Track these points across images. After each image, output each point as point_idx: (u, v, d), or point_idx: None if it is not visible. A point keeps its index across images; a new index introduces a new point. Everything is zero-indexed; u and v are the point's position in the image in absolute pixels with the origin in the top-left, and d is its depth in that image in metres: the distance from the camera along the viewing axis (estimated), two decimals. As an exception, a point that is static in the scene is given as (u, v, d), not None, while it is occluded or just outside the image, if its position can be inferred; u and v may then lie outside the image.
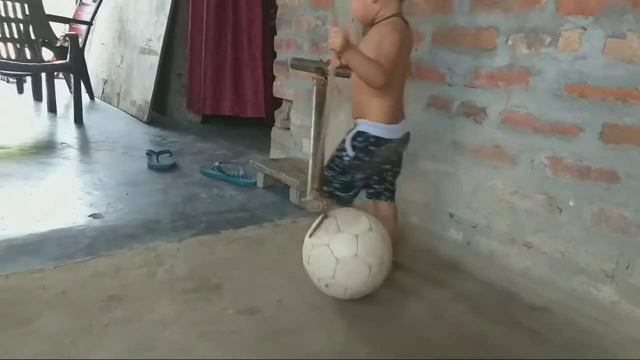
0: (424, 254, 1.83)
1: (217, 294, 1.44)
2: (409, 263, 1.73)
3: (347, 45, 1.42)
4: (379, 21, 1.54)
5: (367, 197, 1.75)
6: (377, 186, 1.70)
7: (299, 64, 1.72)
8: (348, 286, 1.39)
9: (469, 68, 1.79)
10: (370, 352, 1.24)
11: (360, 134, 1.58)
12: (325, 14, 2.46)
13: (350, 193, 1.67)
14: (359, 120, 1.61)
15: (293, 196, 2.28)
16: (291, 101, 2.82)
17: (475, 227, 1.81)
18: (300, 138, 2.72)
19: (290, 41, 2.77)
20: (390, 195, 1.73)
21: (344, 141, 1.63)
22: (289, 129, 2.83)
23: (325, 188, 1.58)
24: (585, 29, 1.47)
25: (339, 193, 1.66)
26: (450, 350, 1.27)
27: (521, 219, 1.66)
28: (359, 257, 1.36)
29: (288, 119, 2.84)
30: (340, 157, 1.62)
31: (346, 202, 1.67)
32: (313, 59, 2.43)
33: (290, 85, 2.80)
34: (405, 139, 1.64)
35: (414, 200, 2.05)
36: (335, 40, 1.42)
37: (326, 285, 1.42)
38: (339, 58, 1.47)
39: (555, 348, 1.31)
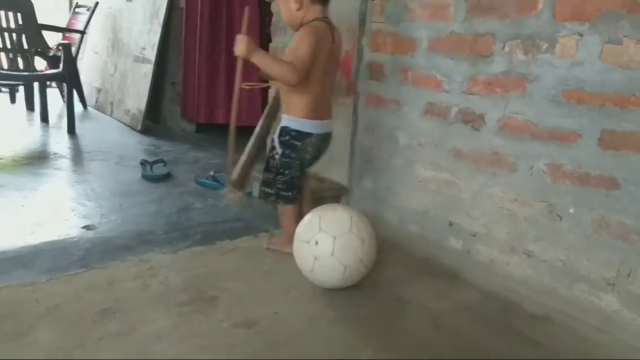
0: (423, 263, 1.81)
1: (212, 306, 1.42)
2: (408, 272, 1.71)
3: (250, 50, 1.60)
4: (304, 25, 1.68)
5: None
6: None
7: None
8: (324, 281, 1.52)
9: (466, 75, 1.78)
10: (371, 364, 1.21)
11: (282, 129, 1.75)
12: (320, 21, 2.45)
13: (294, 191, 1.79)
14: (283, 116, 1.77)
15: (289, 205, 2.25)
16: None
17: (475, 235, 1.79)
18: (296, 146, 2.70)
19: (286, 49, 2.76)
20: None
21: (273, 140, 1.79)
22: (284, 137, 2.81)
23: (269, 190, 1.80)
24: (582, 35, 1.46)
25: (283, 193, 1.78)
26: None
27: (521, 226, 1.65)
28: (335, 257, 1.46)
29: (283, 127, 2.82)
30: (273, 157, 1.77)
31: (292, 201, 1.80)
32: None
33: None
34: (326, 137, 1.82)
35: (412, 208, 2.03)
36: (239, 47, 1.61)
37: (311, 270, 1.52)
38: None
39: (556, 357, 1.29)
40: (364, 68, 2.21)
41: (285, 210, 1.82)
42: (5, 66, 3.88)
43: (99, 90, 5.00)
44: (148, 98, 3.92)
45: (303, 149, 1.74)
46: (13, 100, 4.98)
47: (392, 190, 2.13)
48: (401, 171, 2.07)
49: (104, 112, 4.74)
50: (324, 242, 1.47)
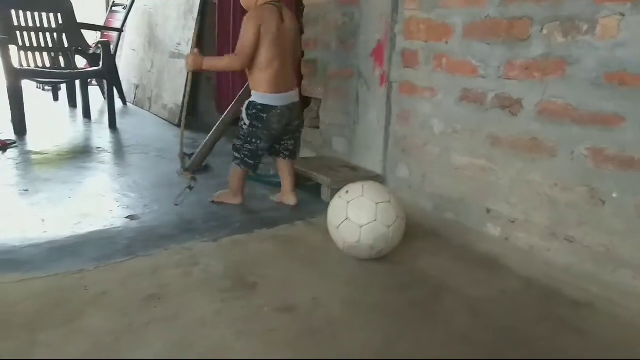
0: (460, 250, 1.80)
1: (252, 292, 1.45)
2: (445, 260, 1.71)
3: (198, 63, 1.97)
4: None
5: (269, 155, 2.15)
6: (276, 146, 2.12)
7: None
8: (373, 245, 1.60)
9: (502, 59, 1.75)
10: (408, 350, 1.22)
11: (250, 103, 1.98)
12: (352, 10, 2.45)
13: (257, 161, 2.07)
14: (252, 92, 1.99)
15: (325, 194, 2.27)
16: (320, 100, 2.82)
17: (513, 222, 1.77)
18: (330, 136, 2.71)
19: (318, 40, 2.77)
20: (289, 154, 2.15)
21: (241, 112, 2.02)
22: (318, 127, 2.83)
23: (237, 155, 2.06)
24: (624, 15, 1.41)
25: (247, 160, 2.05)
26: (492, 349, 1.24)
27: (562, 212, 1.62)
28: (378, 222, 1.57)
29: (317, 117, 2.84)
30: (242, 127, 2.01)
31: (253, 168, 2.09)
32: (340, 58, 2.43)
33: (319, 84, 2.79)
34: (292, 107, 2.02)
35: (449, 196, 2.02)
36: (188, 64, 1.99)
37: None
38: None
39: (601, 345, 1.27)
40: (397, 56, 2.20)
41: (238, 172, 2.09)
42: (48, 65, 4.02)
43: (137, 87, 5.13)
44: (185, 93, 4.00)
45: (269, 120, 1.97)
46: (56, 97, 5.17)
47: (427, 178, 2.12)
48: (437, 159, 2.06)
49: (142, 108, 4.86)
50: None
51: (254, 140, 2.00)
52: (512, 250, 1.74)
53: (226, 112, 2.57)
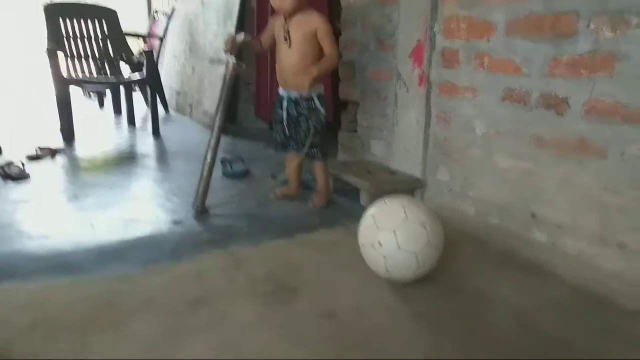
0: (505, 256, 1.75)
1: (295, 297, 1.46)
2: (489, 266, 1.67)
3: (317, 79, 2.05)
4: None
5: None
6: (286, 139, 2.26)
7: None
8: (403, 276, 1.50)
9: (547, 57, 1.70)
10: None
11: (321, 95, 2.19)
12: (391, 11, 2.43)
13: (277, 140, 2.28)
14: (316, 87, 2.14)
15: (364, 199, 2.26)
16: (358, 103, 2.81)
17: (560, 227, 1.71)
18: (368, 140, 2.70)
19: (356, 41, 2.76)
20: (296, 146, 2.23)
21: (313, 104, 2.16)
22: (356, 131, 2.82)
23: (320, 150, 2.21)
24: (679, 7, 1.35)
25: (325, 150, 2.24)
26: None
27: (612, 217, 1.55)
28: (402, 249, 1.44)
29: (355, 121, 2.83)
30: (320, 120, 2.17)
31: (279, 147, 2.29)
32: (379, 60, 2.42)
33: (357, 87, 2.79)
34: (296, 100, 2.16)
35: (492, 200, 1.97)
36: (309, 82, 2.02)
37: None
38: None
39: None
40: (437, 56, 2.17)
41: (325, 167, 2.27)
42: (94, 73, 4.17)
43: (178, 93, 5.25)
44: (220, 103, 4.06)
45: (274, 107, 2.27)
46: (101, 104, 5.36)
47: (469, 182, 2.08)
48: (479, 161, 2.02)
49: (183, 114, 4.98)
50: (386, 239, 1.46)
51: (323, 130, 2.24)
52: (560, 256, 1.68)
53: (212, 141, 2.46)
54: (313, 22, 2.05)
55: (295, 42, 2.08)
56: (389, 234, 1.45)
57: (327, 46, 2.06)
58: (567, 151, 1.67)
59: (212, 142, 2.15)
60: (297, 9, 2.04)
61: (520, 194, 1.85)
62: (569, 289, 1.52)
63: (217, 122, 2.17)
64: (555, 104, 1.69)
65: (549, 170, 1.74)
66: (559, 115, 1.68)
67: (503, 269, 1.65)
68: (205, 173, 2.14)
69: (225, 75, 2.15)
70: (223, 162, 2.90)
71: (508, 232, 1.89)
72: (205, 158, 2.15)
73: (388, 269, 1.48)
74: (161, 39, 5.44)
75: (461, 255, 1.71)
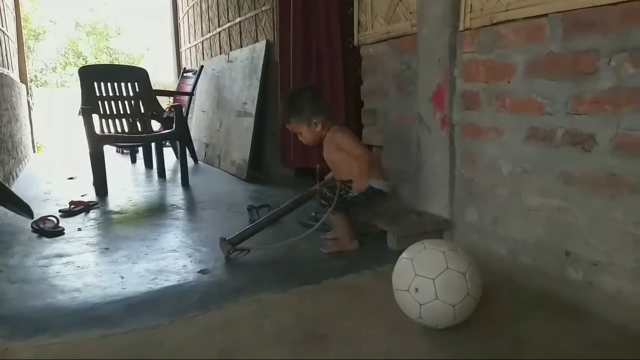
0: (540, 298, 1.69)
1: (324, 345, 1.43)
2: (523, 308, 1.61)
3: (361, 187, 2.23)
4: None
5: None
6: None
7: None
8: (436, 324, 1.44)
9: (570, 95, 1.69)
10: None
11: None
12: (410, 58, 2.48)
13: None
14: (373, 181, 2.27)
15: (391, 242, 2.24)
16: (381, 147, 2.83)
17: (596, 264, 1.65)
18: (394, 183, 2.70)
19: (377, 89, 2.82)
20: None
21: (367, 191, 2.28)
22: (381, 174, 2.83)
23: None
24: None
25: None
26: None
27: (650, 252, 1.49)
28: (440, 300, 1.38)
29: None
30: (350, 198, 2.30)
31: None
32: (400, 105, 2.46)
33: (380, 132, 2.82)
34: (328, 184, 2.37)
35: (523, 239, 1.93)
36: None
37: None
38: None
39: None
40: (458, 99, 2.19)
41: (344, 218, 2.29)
42: (127, 130, 4.33)
43: (207, 145, 5.40)
44: (251, 148, 4.16)
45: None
46: (134, 160, 5.54)
47: (499, 221, 2.04)
48: (507, 200, 1.99)
49: (212, 165, 5.09)
50: (424, 286, 1.40)
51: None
52: (598, 296, 1.62)
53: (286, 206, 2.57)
54: (334, 138, 2.26)
55: (326, 155, 2.36)
56: (428, 282, 1.39)
57: (351, 151, 2.22)
58: (598, 187, 1.63)
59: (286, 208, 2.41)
60: (315, 139, 2.34)
61: (552, 232, 1.80)
62: (610, 330, 1.44)
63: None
64: (582, 141, 1.67)
65: (580, 207, 1.70)
66: (586, 151, 1.66)
67: (540, 311, 1.58)
68: (264, 222, 2.33)
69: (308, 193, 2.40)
70: (250, 209, 2.93)
71: (542, 272, 1.83)
72: (275, 212, 2.38)
73: (422, 316, 1.42)
74: (190, 95, 5.65)
75: (495, 297, 1.66)
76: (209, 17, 6.11)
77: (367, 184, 2.23)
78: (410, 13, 2.45)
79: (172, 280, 1.96)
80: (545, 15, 1.75)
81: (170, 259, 2.22)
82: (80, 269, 2.12)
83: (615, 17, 1.54)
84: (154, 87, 4.70)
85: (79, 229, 2.75)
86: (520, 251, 1.94)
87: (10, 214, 2.85)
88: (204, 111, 5.73)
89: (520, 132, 1.90)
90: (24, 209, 2.49)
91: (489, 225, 2.08)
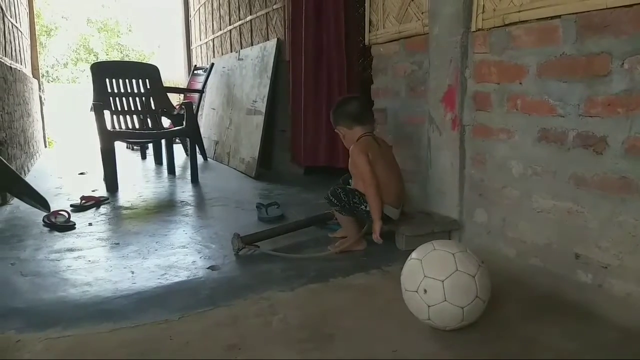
0: (550, 300, 1.68)
1: (330, 343, 1.43)
2: (532, 310, 1.61)
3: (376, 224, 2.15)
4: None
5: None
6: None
7: None
8: (445, 326, 1.44)
9: (582, 97, 1.69)
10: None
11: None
12: (421, 58, 2.48)
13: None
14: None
15: (400, 242, 2.24)
16: (391, 147, 2.82)
17: (606, 267, 1.65)
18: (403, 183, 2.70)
19: (387, 89, 2.82)
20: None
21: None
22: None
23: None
24: None
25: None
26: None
27: (661, 256, 1.48)
28: (449, 302, 1.37)
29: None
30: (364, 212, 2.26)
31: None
32: (410, 105, 2.45)
33: (390, 132, 2.82)
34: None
35: (532, 241, 1.92)
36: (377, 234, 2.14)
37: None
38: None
39: None
40: (469, 100, 2.18)
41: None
42: (137, 126, 4.37)
43: (216, 143, 5.42)
44: (260, 146, 4.18)
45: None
46: (144, 156, 5.58)
47: (508, 223, 2.03)
48: (517, 202, 1.98)
49: (221, 162, 5.12)
50: (433, 288, 1.39)
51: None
52: (607, 299, 1.61)
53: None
54: (352, 153, 2.24)
55: (349, 164, 2.34)
56: (437, 284, 1.38)
57: (362, 175, 2.19)
58: (609, 190, 1.62)
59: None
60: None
61: (562, 234, 1.80)
62: (619, 333, 1.44)
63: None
64: (594, 143, 1.66)
65: (590, 210, 1.69)
66: (598, 154, 1.65)
67: (548, 313, 1.58)
68: (279, 230, 2.39)
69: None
70: (259, 207, 2.95)
71: (551, 274, 1.83)
72: (290, 224, 2.46)
73: (430, 317, 1.42)
74: (201, 93, 5.68)
75: (504, 298, 1.65)
76: (220, 15, 6.13)
77: (383, 211, 2.18)
78: (422, 13, 2.44)
79: (182, 276, 1.98)
80: (559, 16, 1.74)
81: (180, 255, 2.23)
82: (91, 263, 2.14)
83: (628, 19, 1.53)
84: (164, 84, 4.72)
85: (90, 224, 2.78)
86: (530, 253, 1.93)
87: (23, 207, 2.89)
88: (214, 109, 5.76)
89: (531, 134, 1.89)
90: (40, 202, 2.51)
91: (498, 227, 2.08)
